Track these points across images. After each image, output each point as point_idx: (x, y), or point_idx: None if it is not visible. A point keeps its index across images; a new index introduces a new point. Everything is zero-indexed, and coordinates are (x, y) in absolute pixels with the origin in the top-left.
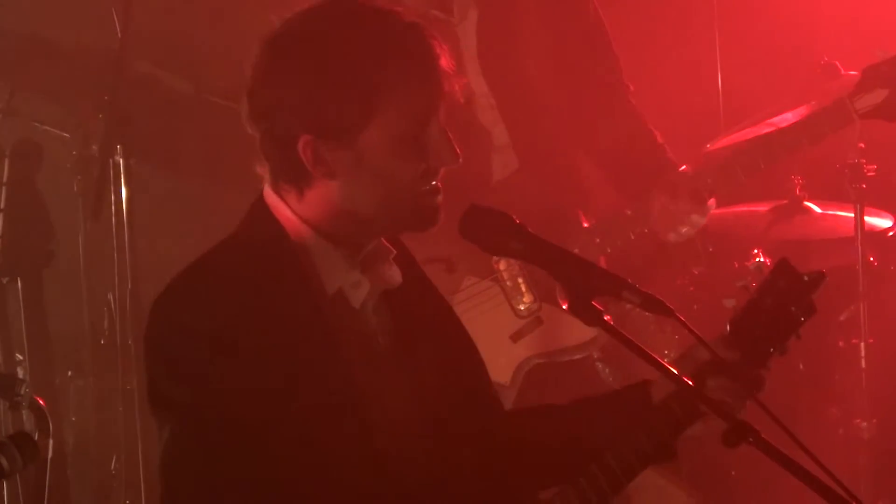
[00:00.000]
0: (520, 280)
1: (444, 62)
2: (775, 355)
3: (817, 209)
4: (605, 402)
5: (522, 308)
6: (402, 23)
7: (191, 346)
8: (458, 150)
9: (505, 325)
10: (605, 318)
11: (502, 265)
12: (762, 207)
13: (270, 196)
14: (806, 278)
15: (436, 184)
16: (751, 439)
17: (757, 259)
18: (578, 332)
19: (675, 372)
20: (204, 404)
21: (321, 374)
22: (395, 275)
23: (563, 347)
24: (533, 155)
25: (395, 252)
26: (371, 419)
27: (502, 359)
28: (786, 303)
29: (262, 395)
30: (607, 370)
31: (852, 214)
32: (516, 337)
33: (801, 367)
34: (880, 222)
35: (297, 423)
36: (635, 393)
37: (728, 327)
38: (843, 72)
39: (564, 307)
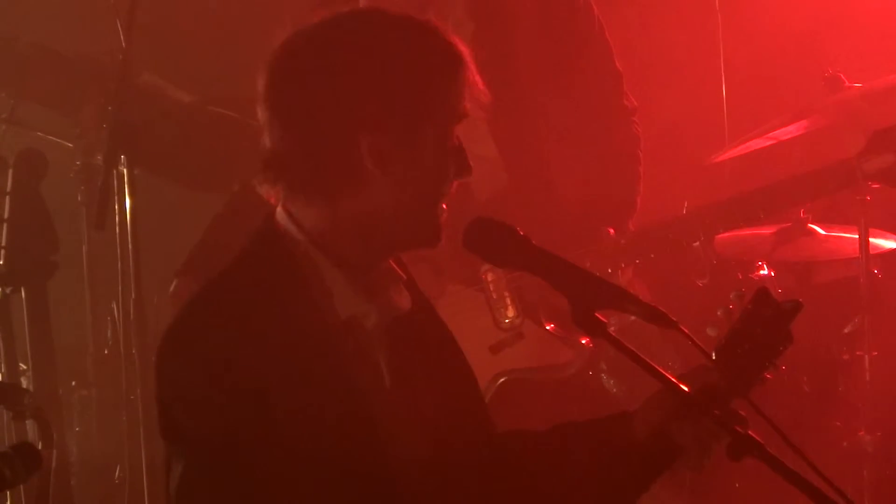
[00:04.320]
0: (506, 293)
1: (476, 78)
2: (757, 384)
3: (821, 231)
4: (586, 431)
5: (505, 321)
6: (443, 31)
7: (204, 379)
8: (470, 163)
9: (485, 335)
10: (609, 331)
11: (490, 276)
12: (767, 230)
13: (282, 217)
14: (784, 307)
15: (444, 206)
16: (755, 452)
17: (762, 268)
18: (558, 352)
19: (680, 385)
20: (220, 437)
21: (334, 403)
22: (404, 301)
23: (540, 365)
24: (524, 172)
25: (405, 277)
26: (380, 448)
27: (478, 368)
28: (766, 332)
29: (277, 426)
30: (612, 381)
31: (856, 236)
32: (496, 349)
33: (805, 379)
34: (885, 243)
35: (313, 453)
36: (617, 425)
37: (714, 356)
38: (847, 84)
39: (547, 328)
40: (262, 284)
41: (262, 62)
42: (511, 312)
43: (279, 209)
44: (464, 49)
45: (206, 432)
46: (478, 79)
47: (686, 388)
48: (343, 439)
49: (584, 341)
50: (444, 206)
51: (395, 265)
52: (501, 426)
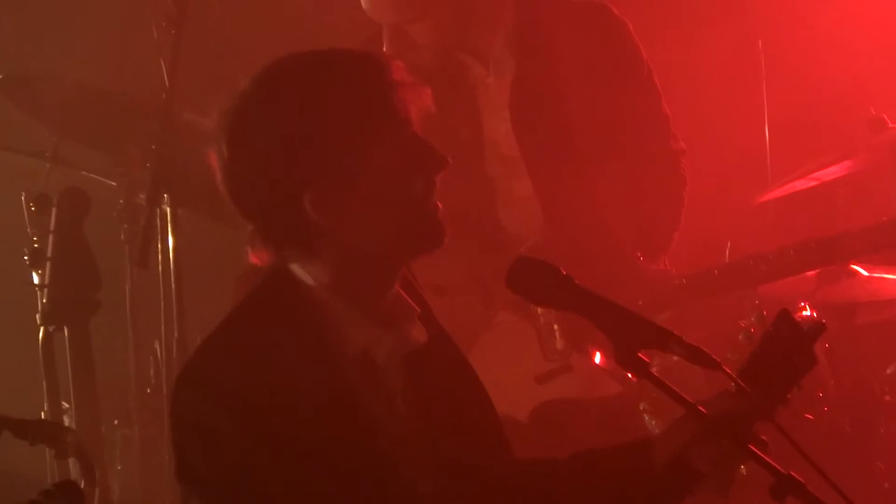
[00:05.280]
0: (555, 326)
1: (401, 74)
2: (780, 407)
3: (864, 272)
4: (605, 458)
5: (554, 352)
6: (351, 52)
7: (218, 419)
8: (443, 153)
9: (532, 364)
10: (652, 371)
11: (541, 307)
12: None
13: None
14: (806, 328)
15: (438, 203)
16: (796, 492)
17: (804, 309)
18: (605, 386)
19: (721, 426)
20: (234, 477)
21: (348, 440)
22: (419, 334)
23: (587, 398)
24: (566, 210)
25: (419, 311)
26: (397, 483)
27: (524, 396)
28: (788, 354)
29: (291, 463)
30: (654, 422)
31: None
32: (542, 379)
33: (847, 420)
34: None
35: (329, 490)
36: (636, 452)
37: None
38: (890, 125)
39: (596, 361)
40: (271, 325)
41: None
42: (560, 344)
43: None
44: (376, 55)
45: (221, 473)
46: (405, 76)
47: (728, 430)
48: (359, 474)
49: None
50: (439, 203)
51: (408, 298)
52: (537, 449)
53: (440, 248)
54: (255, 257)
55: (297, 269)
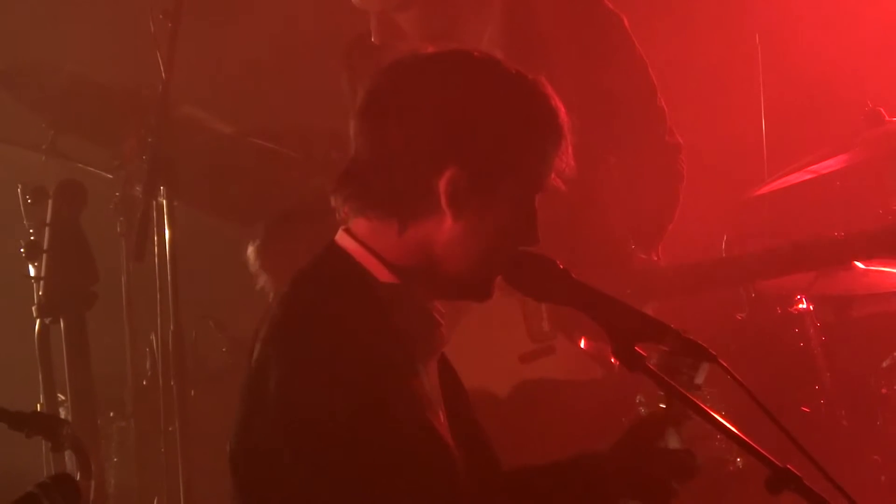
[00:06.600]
0: (542, 306)
1: (569, 143)
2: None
3: (861, 265)
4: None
5: (540, 333)
6: (553, 97)
7: (330, 388)
8: (539, 234)
9: (517, 344)
10: (649, 364)
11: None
12: None
13: (345, 240)
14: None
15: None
16: (793, 486)
17: (801, 302)
18: (587, 369)
19: (720, 419)
20: (335, 435)
21: (425, 422)
22: (448, 337)
23: (569, 380)
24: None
25: (445, 316)
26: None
27: (505, 374)
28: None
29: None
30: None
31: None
32: (526, 359)
33: (843, 413)
34: None
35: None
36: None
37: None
38: (887, 118)
39: (581, 345)
40: (339, 305)
41: (366, 76)
42: (546, 325)
43: (341, 233)
44: (566, 120)
45: (323, 436)
46: (570, 153)
47: (730, 425)
48: (432, 455)
49: (614, 360)
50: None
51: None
52: (512, 427)
53: (480, 302)
54: (335, 201)
55: (355, 244)
